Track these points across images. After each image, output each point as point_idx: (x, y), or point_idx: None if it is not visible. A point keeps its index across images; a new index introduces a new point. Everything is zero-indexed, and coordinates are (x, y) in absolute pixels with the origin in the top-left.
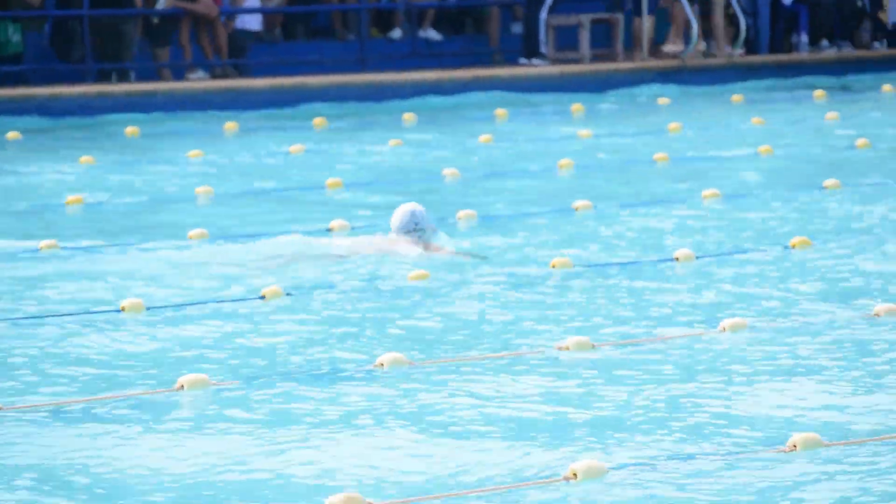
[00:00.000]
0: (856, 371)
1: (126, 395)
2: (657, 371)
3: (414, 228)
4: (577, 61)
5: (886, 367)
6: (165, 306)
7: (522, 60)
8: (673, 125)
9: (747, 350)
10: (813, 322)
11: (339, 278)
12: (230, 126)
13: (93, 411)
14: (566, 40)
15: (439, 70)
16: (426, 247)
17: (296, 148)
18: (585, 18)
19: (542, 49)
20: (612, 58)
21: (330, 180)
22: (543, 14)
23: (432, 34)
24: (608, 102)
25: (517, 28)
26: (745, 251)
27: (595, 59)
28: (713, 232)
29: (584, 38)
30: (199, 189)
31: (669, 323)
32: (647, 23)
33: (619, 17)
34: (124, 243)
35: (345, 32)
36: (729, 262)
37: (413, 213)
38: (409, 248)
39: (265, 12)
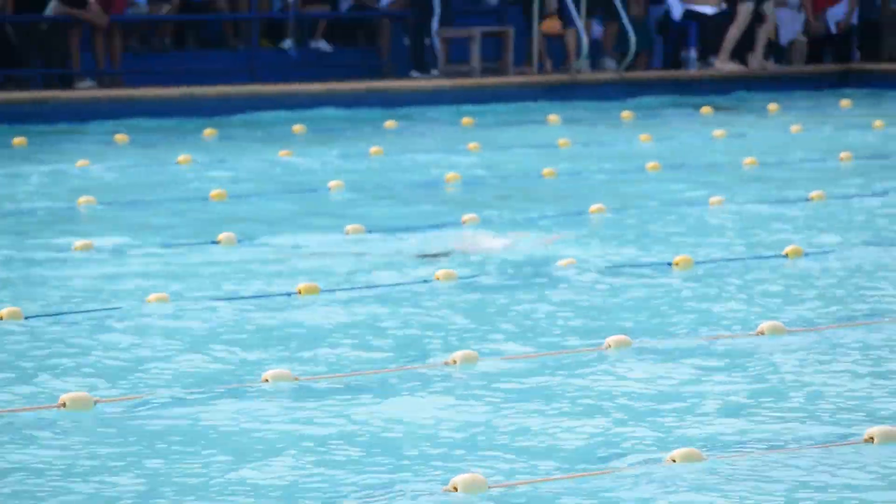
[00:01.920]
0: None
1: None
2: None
3: None
4: (468, 74)
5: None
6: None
7: (413, 73)
8: (562, 140)
9: (628, 370)
10: (688, 341)
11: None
12: (120, 137)
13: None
14: (457, 53)
15: (330, 82)
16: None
17: (184, 158)
18: (476, 31)
19: (436, 61)
20: (502, 71)
21: (214, 192)
22: (435, 26)
23: (323, 45)
24: (498, 116)
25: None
26: (634, 265)
27: (486, 72)
28: (598, 245)
29: (475, 50)
30: (81, 199)
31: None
32: (536, 37)
33: (510, 31)
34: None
35: (235, 42)
36: (612, 275)
37: None
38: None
39: (155, 20)
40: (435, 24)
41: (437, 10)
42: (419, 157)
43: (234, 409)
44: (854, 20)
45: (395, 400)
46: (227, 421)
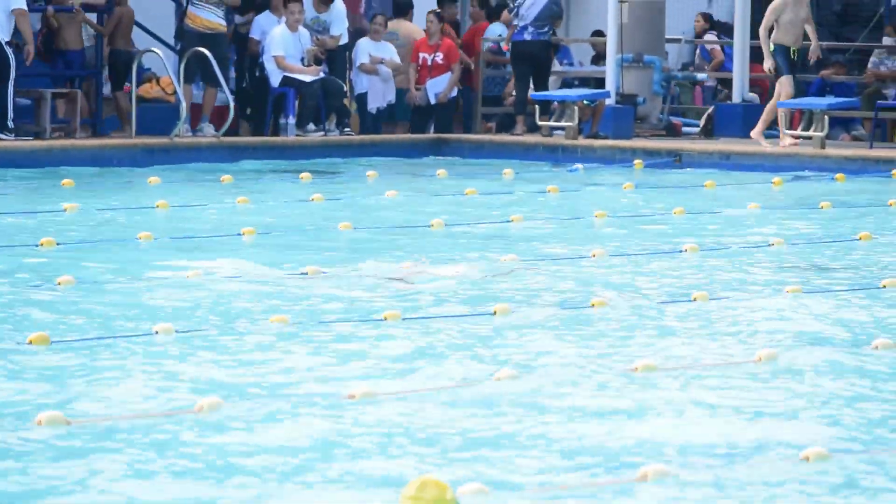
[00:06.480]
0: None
1: None
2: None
3: None
4: (40, 136)
5: None
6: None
7: None
8: (161, 203)
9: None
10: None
11: None
12: None
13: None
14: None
15: None
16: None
17: None
18: (46, 93)
19: (9, 124)
20: (70, 133)
21: None
22: (10, 89)
23: None
24: (96, 177)
25: None
26: (226, 330)
27: (55, 134)
28: (190, 309)
29: (45, 112)
30: None
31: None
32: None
33: (78, 93)
34: None
35: None
36: (210, 339)
37: None
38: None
39: None
40: (10, 87)
41: (13, 73)
42: (10, 219)
43: None
44: (454, 93)
45: None
46: None
